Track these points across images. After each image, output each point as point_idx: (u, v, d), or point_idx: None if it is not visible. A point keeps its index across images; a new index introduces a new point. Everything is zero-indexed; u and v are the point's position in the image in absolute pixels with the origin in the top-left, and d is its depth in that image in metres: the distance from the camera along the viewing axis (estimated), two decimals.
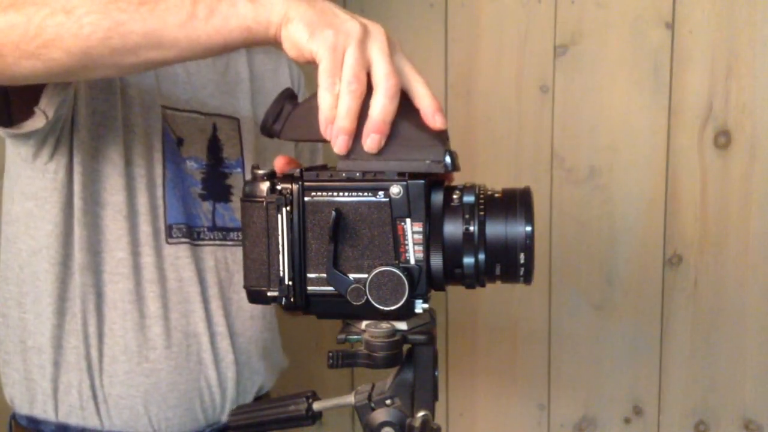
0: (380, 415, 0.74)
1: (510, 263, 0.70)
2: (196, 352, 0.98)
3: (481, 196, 0.71)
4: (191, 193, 0.99)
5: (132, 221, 0.94)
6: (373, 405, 0.75)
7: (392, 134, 0.68)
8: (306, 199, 0.70)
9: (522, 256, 0.69)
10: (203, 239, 1.00)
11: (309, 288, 0.71)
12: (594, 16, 1.47)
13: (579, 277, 1.55)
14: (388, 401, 0.74)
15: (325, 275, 0.70)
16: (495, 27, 1.50)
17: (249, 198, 0.72)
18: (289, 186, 0.70)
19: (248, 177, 1.03)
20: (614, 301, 1.55)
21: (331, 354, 0.73)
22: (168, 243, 0.96)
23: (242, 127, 1.06)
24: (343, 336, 0.73)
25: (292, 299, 0.71)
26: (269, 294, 0.72)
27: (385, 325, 0.71)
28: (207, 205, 1.01)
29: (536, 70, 1.50)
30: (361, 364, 0.71)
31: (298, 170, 0.71)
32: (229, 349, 1.00)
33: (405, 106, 0.70)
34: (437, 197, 0.70)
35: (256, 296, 0.74)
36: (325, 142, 0.68)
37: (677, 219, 1.51)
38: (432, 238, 0.69)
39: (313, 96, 0.70)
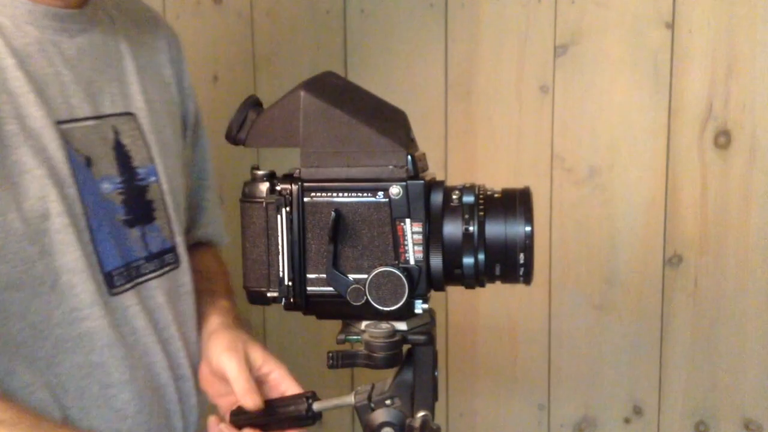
0: (380, 416, 0.74)
1: (510, 263, 0.70)
2: (164, 404, 0.90)
3: (481, 196, 0.71)
4: (116, 223, 0.86)
5: (58, 290, 0.78)
6: (373, 405, 0.75)
7: (355, 141, 0.68)
8: (305, 199, 0.70)
9: (522, 256, 0.69)
10: (144, 273, 0.88)
11: (309, 288, 0.71)
12: (594, 16, 1.47)
13: (579, 277, 1.55)
14: (388, 401, 0.75)
15: (324, 275, 0.70)
16: (495, 27, 1.50)
17: (248, 199, 0.72)
18: (288, 186, 0.70)
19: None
20: (614, 301, 1.55)
21: (331, 354, 0.73)
22: (112, 295, 0.83)
23: (140, 122, 0.92)
24: (343, 336, 0.74)
25: (291, 300, 0.71)
26: (269, 294, 0.72)
27: (384, 326, 0.71)
28: (136, 232, 0.88)
29: (536, 70, 1.50)
30: (361, 365, 0.72)
31: (297, 170, 0.71)
32: (192, 391, 0.93)
33: (368, 111, 0.70)
34: (437, 197, 0.70)
35: (255, 297, 0.74)
36: (293, 147, 0.69)
37: (677, 219, 1.51)
38: (432, 238, 0.69)
39: (277, 104, 0.70)
